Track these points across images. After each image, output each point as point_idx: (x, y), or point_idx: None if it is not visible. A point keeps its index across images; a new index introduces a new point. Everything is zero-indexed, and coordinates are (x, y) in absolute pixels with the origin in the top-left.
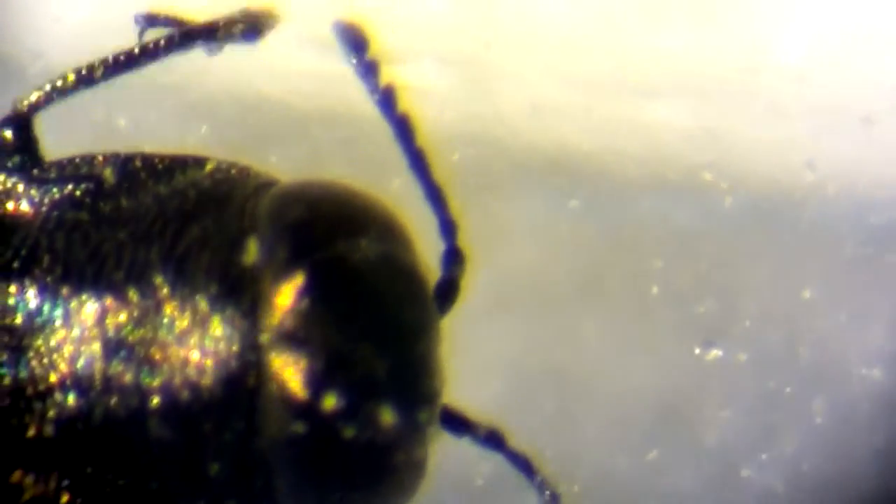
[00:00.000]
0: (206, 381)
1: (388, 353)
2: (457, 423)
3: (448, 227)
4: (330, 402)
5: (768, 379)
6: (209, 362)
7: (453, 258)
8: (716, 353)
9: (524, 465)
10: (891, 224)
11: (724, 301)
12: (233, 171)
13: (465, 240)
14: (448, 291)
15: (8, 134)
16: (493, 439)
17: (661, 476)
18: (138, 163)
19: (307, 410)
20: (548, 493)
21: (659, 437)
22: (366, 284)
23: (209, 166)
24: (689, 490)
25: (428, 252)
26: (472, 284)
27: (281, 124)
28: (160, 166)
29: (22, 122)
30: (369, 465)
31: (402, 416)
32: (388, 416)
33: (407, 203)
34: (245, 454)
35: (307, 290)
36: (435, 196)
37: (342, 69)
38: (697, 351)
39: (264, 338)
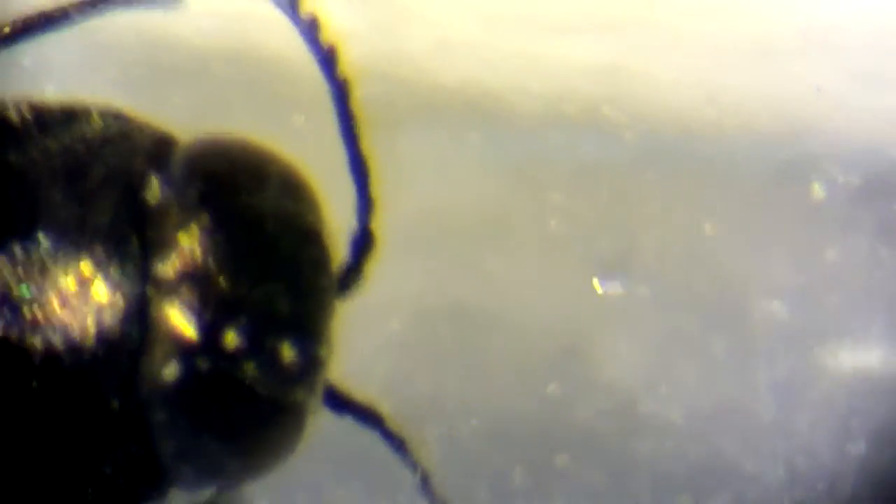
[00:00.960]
0: (93, 333)
1: (281, 296)
2: (338, 401)
3: (365, 209)
4: (228, 338)
5: (668, 314)
6: (95, 315)
7: (364, 242)
8: (616, 287)
9: (399, 445)
10: (792, 158)
11: (624, 236)
12: (126, 126)
13: (379, 223)
14: (353, 274)
15: None
16: (373, 419)
17: (561, 410)
18: (28, 114)
19: (198, 352)
20: (420, 472)
21: (559, 372)
22: (262, 233)
23: (100, 120)
24: (589, 424)
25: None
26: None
27: (185, 64)
28: (49, 118)
29: None
30: (260, 408)
31: (299, 354)
32: (287, 352)
33: (308, 140)
34: (133, 403)
35: (199, 238)
36: (360, 174)
37: (244, 8)
38: (598, 285)
39: (153, 287)
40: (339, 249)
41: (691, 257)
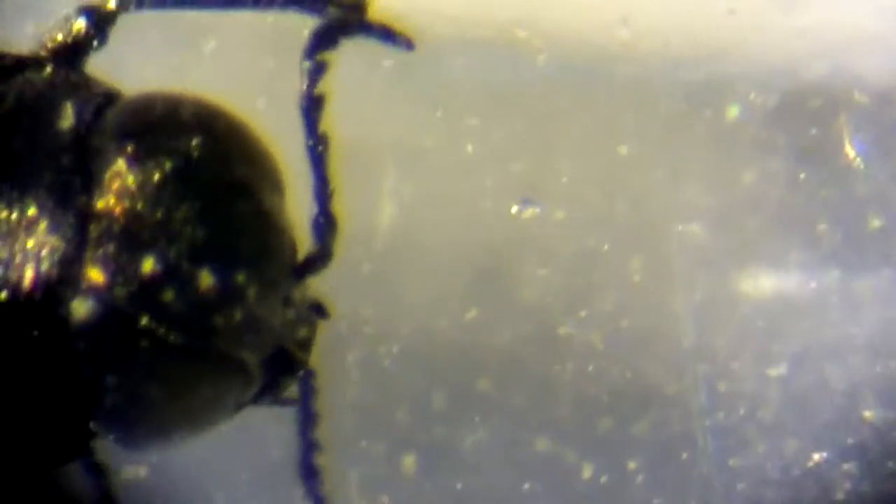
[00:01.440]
0: (26, 283)
1: (198, 232)
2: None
3: (323, 192)
4: (146, 267)
5: (586, 237)
6: (31, 266)
7: (326, 226)
8: (533, 211)
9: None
10: (705, 80)
11: (540, 159)
12: (71, 76)
13: (338, 206)
14: (319, 258)
15: None
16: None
17: (481, 334)
18: None
19: (116, 294)
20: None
21: (478, 296)
22: (182, 172)
23: (48, 69)
24: (508, 348)
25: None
26: (289, 144)
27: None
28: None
29: None
30: (178, 358)
31: (218, 280)
32: (206, 279)
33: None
34: (57, 352)
35: (127, 189)
36: (316, 156)
37: None
38: (515, 209)
39: (88, 230)
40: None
41: (607, 180)
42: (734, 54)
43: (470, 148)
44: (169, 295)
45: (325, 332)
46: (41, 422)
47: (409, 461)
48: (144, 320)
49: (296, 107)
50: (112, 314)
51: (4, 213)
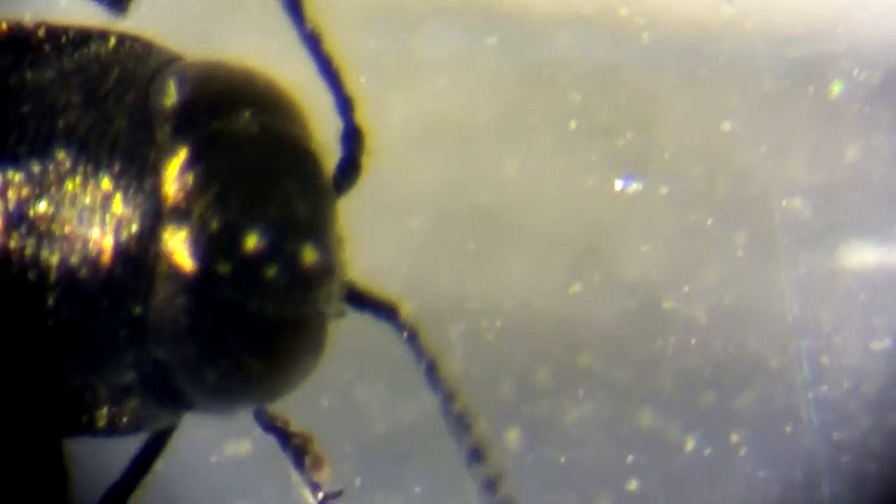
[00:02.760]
0: (105, 258)
1: (282, 211)
2: (358, 298)
3: (345, 105)
4: (231, 266)
5: (689, 212)
6: (109, 240)
7: (352, 137)
8: (636, 186)
9: (413, 337)
10: (809, 57)
11: (643, 135)
12: (136, 47)
13: (362, 118)
14: (349, 170)
15: None
16: (389, 314)
17: (584, 310)
18: (42, 34)
19: (199, 281)
20: (427, 362)
21: (581, 272)
22: (248, 154)
23: (113, 41)
24: (612, 323)
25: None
26: (394, 122)
27: None
28: (64, 39)
29: None
30: (273, 331)
31: (310, 262)
32: (299, 262)
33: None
34: (140, 331)
35: (191, 165)
36: (329, 74)
37: None
38: (618, 185)
39: (162, 216)
40: (330, 154)
41: (710, 156)
42: (838, 31)
43: (573, 124)
44: (254, 267)
45: (429, 308)
46: (116, 391)
47: (513, 435)
48: (226, 295)
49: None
50: (196, 292)
51: (77, 189)
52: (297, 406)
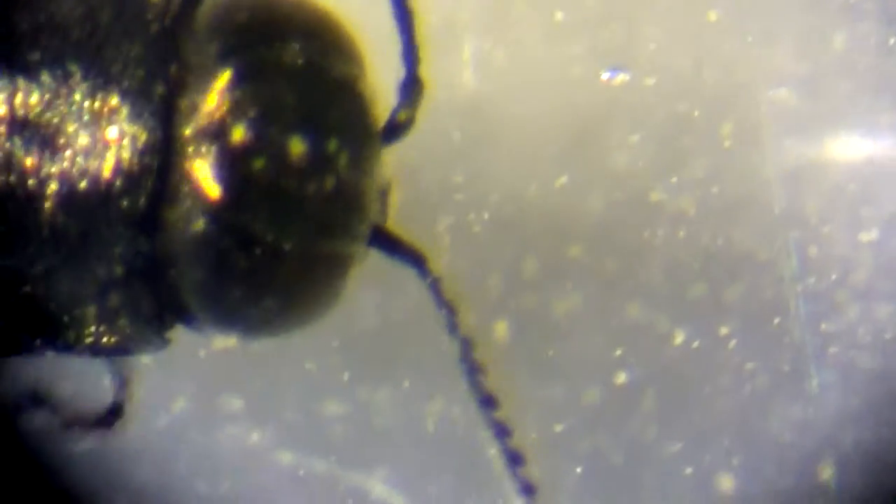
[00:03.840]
0: (108, 173)
1: (307, 143)
2: (384, 241)
3: (410, 54)
4: (251, 194)
5: (676, 102)
6: (113, 155)
7: (411, 87)
8: (623, 77)
9: (436, 287)
10: None
11: (629, 25)
12: None
13: (426, 70)
14: (401, 121)
15: None
16: (416, 260)
17: (572, 202)
18: None
19: (219, 209)
20: (449, 310)
21: (569, 163)
22: (289, 84)
23: None
24: (599, 214)
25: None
26: (380, 15)
27: None
28: None
29: None
30: (286, 265)
31: (333, 198)
32: (296, 206)
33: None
34: (139, 252)
35: (226, 89)
36: (403, 18)
37: None
38: (605, 76)
39: (175, 135)
40: (381, 96)
41: (697, 46)
42: None
43: (559, 15)
44: (271, 194)
45: (415, 201)
46: (123, 313)
47: (500, 328)
48: (244, 224)
49: None
50: (209, 218)
51: (88, 101)
52: None
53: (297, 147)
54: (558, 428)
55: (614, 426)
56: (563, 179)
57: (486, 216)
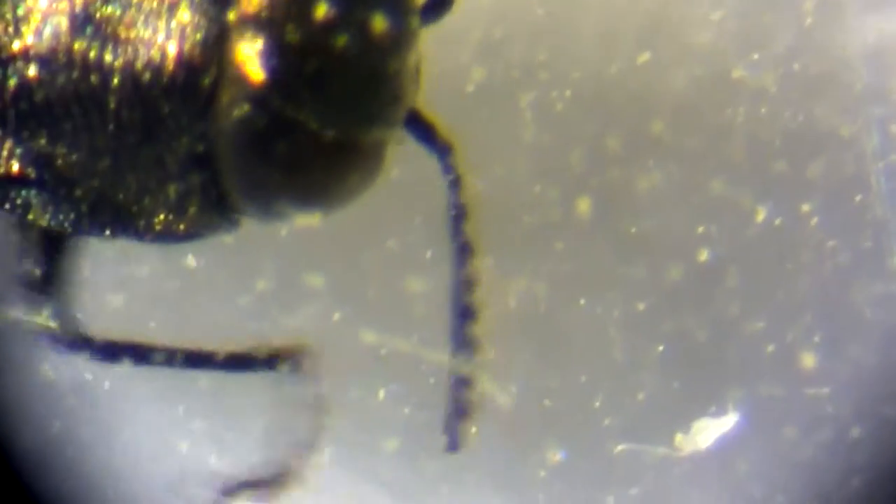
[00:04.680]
0: (168, 63)
1: (349, 35)
2: (420, 127)
3: None
4: (296, 82)
5: None
6: (173, 45)
7: None
8: None
9: (454, 183)
10: None
11: None
12: None
13: None
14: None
15: None
16: (444, 155)
17: (654, 78)
18: None
19: (266, 96)
20: (459, 211)
21: (651, 40)
22: None
23: None
24: (682, 92)
25: None
26: None
27: None
28: None
29: None
30: (327, 152)
31: (372, 88)
32: (337, 92)
33: None
34: (200, 139)
35: None
36: None
37: None
38: None
39: (230, 24)
40: None
41: None
42: None
43: None
44: (316, 86)
45: (499, 78)
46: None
47: (583, 205)
48: (293, 112)
49: None
50: (259, 105)
51: (154, 3)
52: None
53: (339, 33)
54: (641, 306)
55: (697, 304)
56: (646, 56)
57: (568, 93)
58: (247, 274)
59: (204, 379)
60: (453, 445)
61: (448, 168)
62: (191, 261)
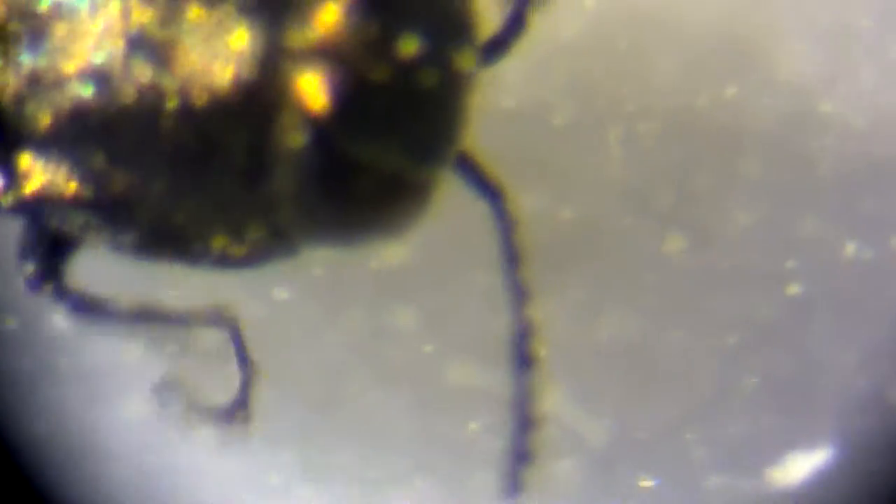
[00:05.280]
0: (225, 86)
1: (413, 68)
2: (472, 170)
3: None
4: (355, 114)
5: (845, 12)
6: (230, 68)
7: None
8: None
9: (507, 228)
10: None
11: None
12: None
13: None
14: (513, 26)
15: None
16: (495, 199)
17: (741, 111)
18: None
19: (323, 124)
20: (515, 265)
21: (737, 73)
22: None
23: None
24: (770, 125)
25: None
26: None
27: None
28: None
29: None
30: (386, 185)
31: (429, 126)
32: (394, 131)
33: None
34: (257, 164)
35: (342, 5)
36: None
37: None
38: None
39: (291, 49)
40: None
41: None
42: None
43: None
44: (373, 119)
45: (586, 112)
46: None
47: (673, 239)
48: (348, 144)
49: None
50: (316, 134)
51: (202, 15)
52: None
53: (401, 69)
54: (731, 339)
55: (787, 338)
56: (733, 90)
57: (655, 127)
58: (337, 307)
59: None
60: (513, 492)
61: (500, 213)
62: (280, 293)
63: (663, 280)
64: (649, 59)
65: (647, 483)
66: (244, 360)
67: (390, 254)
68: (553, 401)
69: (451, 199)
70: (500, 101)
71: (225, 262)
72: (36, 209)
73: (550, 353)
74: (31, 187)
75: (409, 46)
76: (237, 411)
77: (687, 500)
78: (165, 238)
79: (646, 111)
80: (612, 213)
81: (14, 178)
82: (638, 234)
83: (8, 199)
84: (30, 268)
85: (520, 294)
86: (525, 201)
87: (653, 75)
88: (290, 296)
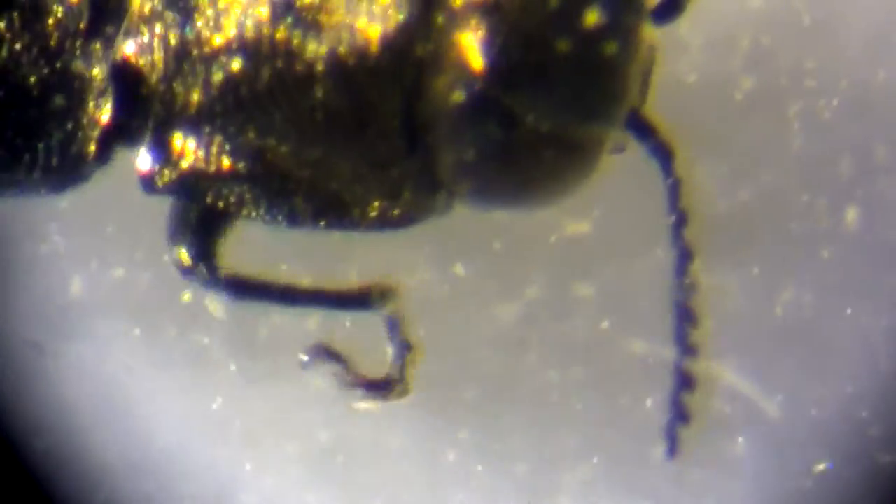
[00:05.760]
0: (373, 48)
1: (578, 32)
2: (643, 128)
3: None
4: (514, 70)
5: None
6: (377, 29)
7: None
8: None
9: (674, 186)
10: None
11: None
12: None
13: None
14: (672, 3)
15: None
16: (665, 158)
17: None
18: None
19: (482, 83)
20: (682, 220)
21: None
22: None
23: None
24: None
25: None
26: None
27: None
28: None
29: None
30: (541, 143)
31: (593, 86)
32: (559, 88)
33: None
34: (409, 124)
35: None
36: None
37: None
38: None
39: (444, 6)
40: None
41: None
42: None
43: None
44: (536, 78)
45: (767, 86)
46: (396, 194)
47: (851, 215)
48: (510, 102)
49: None
50: (477, 92)
51: None
52: None
53: (564, 26)
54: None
55: None
56: None
57: (835, 102)
58: (515, 282)
59: None
60: (671, 451)
61: (668, 172)
62: (459, 269)
63: (840, 255)
64: (831, 34)
65: (821, 466)
66: (401, 337)
67: (570, 228)
68: (727, 375)
69: (632, 174)
70: (683, 76)
71: (383, 223)
72: (191, 187)
73: (725, 327)
74: (184, 164)
75: (571, 4)
76: (394, 386)
77: (861, 478)
78: (323, 205)
79: (826, 86)
80: (791, 187)
81: (168, 157)
82: (815, 210)
83: (164, 179)
84: (182, 250)
85: (684, 254)
86: (704, 175)
87: (833, 50)
88: (469, 272)
